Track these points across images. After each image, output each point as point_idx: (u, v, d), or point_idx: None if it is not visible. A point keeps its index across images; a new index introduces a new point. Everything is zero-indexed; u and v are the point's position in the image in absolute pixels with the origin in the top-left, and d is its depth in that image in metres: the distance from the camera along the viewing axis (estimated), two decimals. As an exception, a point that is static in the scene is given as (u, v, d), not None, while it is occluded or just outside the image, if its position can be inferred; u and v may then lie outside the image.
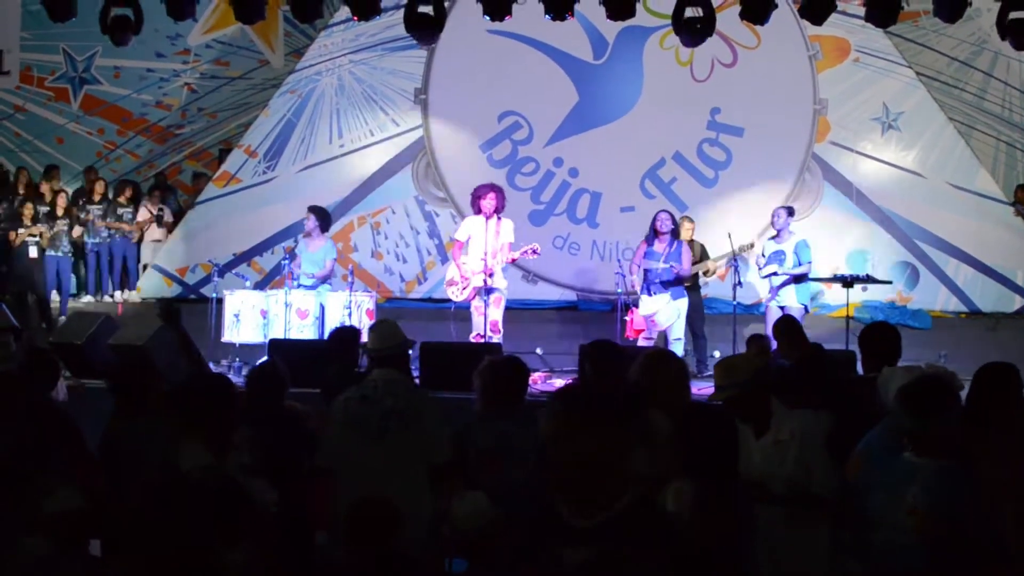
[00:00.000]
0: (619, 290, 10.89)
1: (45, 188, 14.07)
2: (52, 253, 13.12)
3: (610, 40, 13.66)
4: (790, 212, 10.96)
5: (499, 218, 10.12)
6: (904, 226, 13.61)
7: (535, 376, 9.75)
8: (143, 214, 14.06)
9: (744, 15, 9.70)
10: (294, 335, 10.29)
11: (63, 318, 12.74)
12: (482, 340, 9.96)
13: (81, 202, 13.91)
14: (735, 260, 10.90)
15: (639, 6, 9.81)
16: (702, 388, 9.45)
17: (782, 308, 10.17)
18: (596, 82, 13.80)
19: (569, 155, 13.83)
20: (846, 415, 4.68)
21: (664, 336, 10.49)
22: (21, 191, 13.94)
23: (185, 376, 5.39)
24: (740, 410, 4.40)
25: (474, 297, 10.19)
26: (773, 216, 10.93)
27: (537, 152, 13.88)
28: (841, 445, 4.39)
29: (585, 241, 13.81)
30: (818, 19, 9.95)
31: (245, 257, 13.85)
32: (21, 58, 15.37)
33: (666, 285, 10.30)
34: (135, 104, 15.64)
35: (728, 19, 11.27)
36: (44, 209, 13.24)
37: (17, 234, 12.87)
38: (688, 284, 10.64)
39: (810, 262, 10.60)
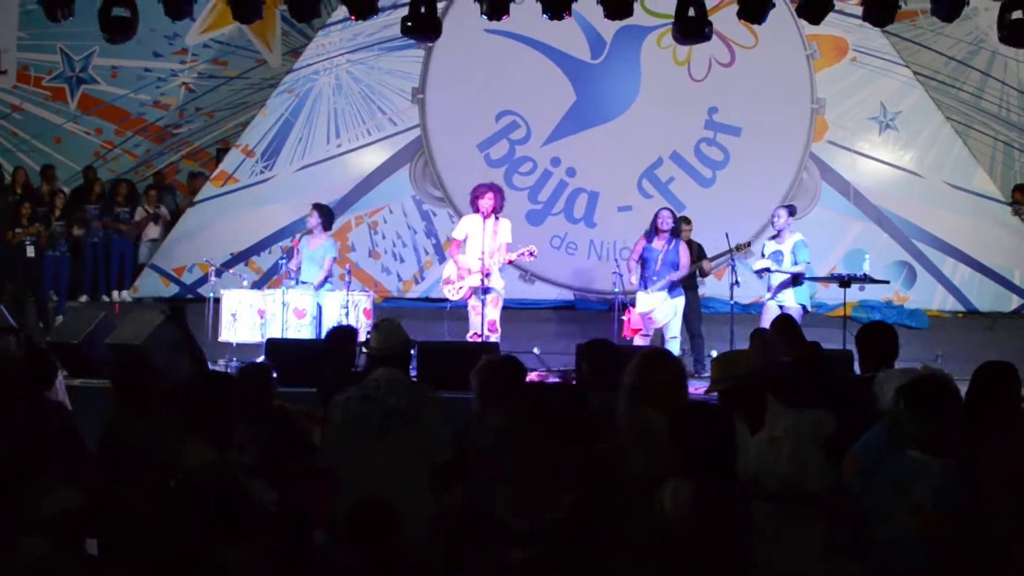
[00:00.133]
0: (616, 289, 10.88)
1: (43, 188, 14.07)
2: (50, 253, 13.12)
3: (608, 39, 13.64)
4: (791, 211, 10.82)
5: (497, 218, 10.13)
6: (901, 225, 13.62)
7: (532, 376, 9.76)
8: (140, 214, 14.06)
9: (742, 15, 9.71)
10: (291, 335, 10.28)
11: (60, 318, 12.75)
12: (479, 340, 9.97)
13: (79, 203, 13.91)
14: (732, 260, 10.88)
15: (637, 5, 9.81)
16: (699, 387, 9.48)
17: (781, 307, 10.14)
18: (594, 81, 13.79)
19: (567, 155, 13.83)
20: (843, 414, 4.68)
21: (661, 335, 10.50)
22: (18, 191, 13.93)
23: (188, 375, 5.40)
24: (735, 403, 4.41)
25: (471, 296, 10.19)
26: (773, 216, 10.82)
27: (534, 152, 13.88)
28: (839, 444, 4.39)
29: (582, 241, 13.80)
30: (816, 18, 9.96)
31: (242, 257, 13.83)
32: (18, 57, 15.35)
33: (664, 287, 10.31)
34: (133, 104, 15.61)
35: (726, 18, 11.28)
36: (42, 209, 13.24)
37: (14, 234, 12.87)
38: (685, 283, 10.64)
39: (807, 262, 10.53)
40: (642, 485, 4.03)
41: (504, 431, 2.97)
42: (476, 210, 10.17)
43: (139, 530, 3.15)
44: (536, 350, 11.04)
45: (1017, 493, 3.89)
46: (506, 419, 3.61)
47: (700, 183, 13.77)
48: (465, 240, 10.26)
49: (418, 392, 5.23)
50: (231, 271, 12.13)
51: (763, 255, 10.73)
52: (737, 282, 10.78)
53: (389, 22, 12.70)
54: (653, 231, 10.43)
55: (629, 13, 9.67)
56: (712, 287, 12.54)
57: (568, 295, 13.84)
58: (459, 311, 10.45)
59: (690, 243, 10.98)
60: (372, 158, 14.03)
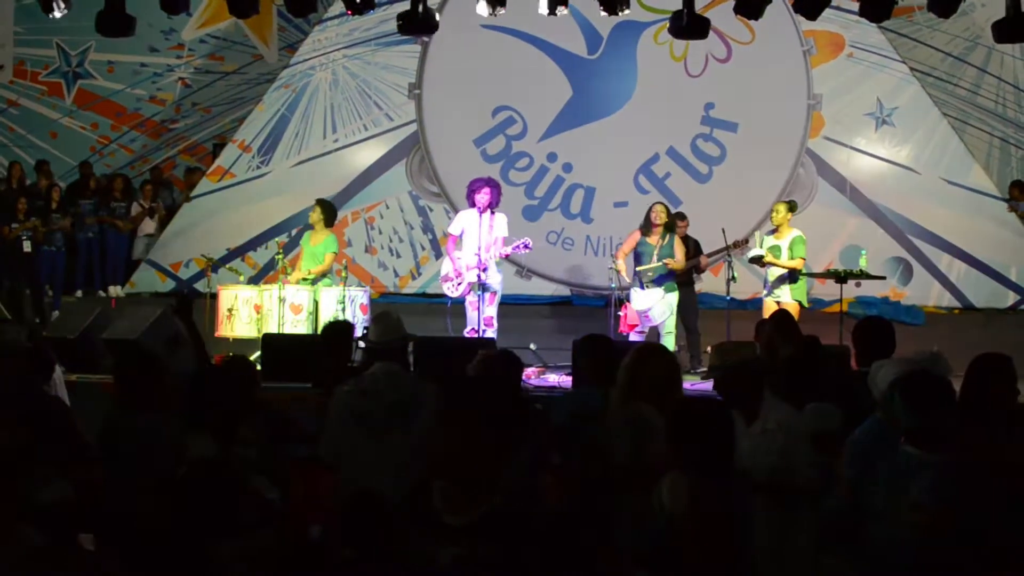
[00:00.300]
0: (613, 285, 10.87)
1: (40, 183, 14.06)
2: (46, 248, 13.11)
3: (604, 35, 13.65)
4: (791, 207, 10.70)
5: (493, 213, 10.13)
6: (898, 221, 13.62)
7: (528, 371, 9.77)
8: (135, 209, 14.05)
9: (738, 10, 9.70)
10: (288, 330, 10.27)
11: (56, 313, 12.75)
12: (476, 335, 9.97)
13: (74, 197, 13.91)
14: (729, 255, 10.86)
15: (633, 0, 9.81)
16: (695, 384, 9.50)
17: (778, 304, 10.13)
18: (590, 77, 13.79)
19: (563, 150, 13.82)
20: (839, 409, 4.70)
21: (656, 330, 10.50)
22: (14, 185, 13.92)
23: (193, 369, 5.40)
24: (729, 392, 4.43)
25: (468, 292, 10.20)
26: (772, 212, 10.78)
27: (531, 147, 13.87)
28: (840, 439, 4.40)
29: (579, 236, 13.81)
30: (812, 14, 9.95)
31: (239, 252, 13.83)
32: (14, 52, 15.35)
33: (658, 281, 10.31)
34: (129, 99, 15.61)
35: (722, 14, 11.27)
36: (38, 204, 13.23)
37: (11, 229, 12.87)
38: (682, 279, 10.63)
39: (803, 258, 10.44)
40: (633, 479, 4.04)
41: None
42: (472, 205, 10.16)
43: (139, 522, 3.15)
44: (533, 346, 11.02)
45: (1011, 484, 3.89)
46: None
47: (696, 179, 13.77)
48: (461, 235, 10.25)
49: (418, 386, 5.17)
50: (227, 266, 12.14)
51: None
52: (733, 277, 10.75)
53: (385, 17, 12.72)
54: (648, 226, 10.42)
55: (626, 7, 9.65)
56: (708, 283, 12.54)
57: (564, 291, 13.85)
58: (457, 307, 10.46)
59: (686, 239, 10.96)
60: (368, 153, 14.03)
